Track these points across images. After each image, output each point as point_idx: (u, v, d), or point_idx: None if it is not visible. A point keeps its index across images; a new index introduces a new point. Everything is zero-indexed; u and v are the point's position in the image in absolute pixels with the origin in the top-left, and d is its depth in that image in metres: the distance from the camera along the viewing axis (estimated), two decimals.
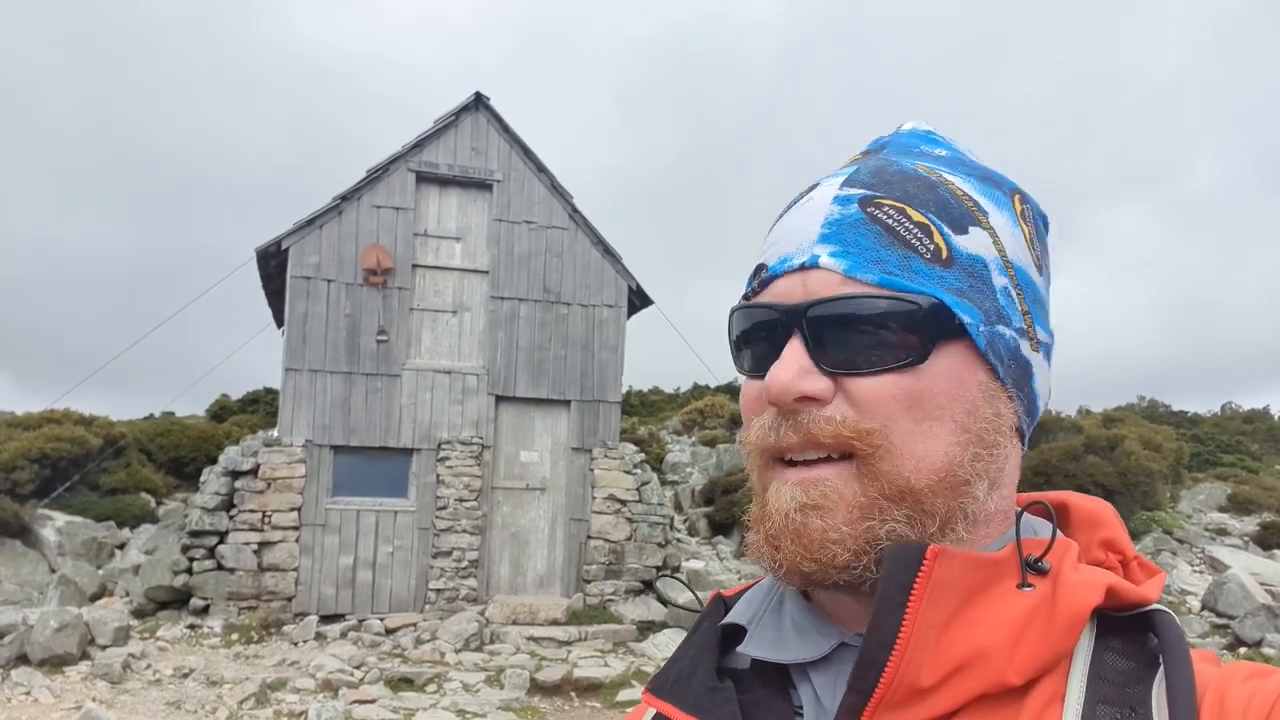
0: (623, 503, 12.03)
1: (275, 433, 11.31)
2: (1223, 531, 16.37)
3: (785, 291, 0.64)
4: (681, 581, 0.83)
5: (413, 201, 11.83)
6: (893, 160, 0.67)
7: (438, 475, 11.47)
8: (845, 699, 0.58)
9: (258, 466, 10.89)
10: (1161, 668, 0.56)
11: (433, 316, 11.90)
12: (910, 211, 0.63)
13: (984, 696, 0.56)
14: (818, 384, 0.61)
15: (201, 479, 11.63)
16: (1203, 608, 12.07)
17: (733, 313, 0.68)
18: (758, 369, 0.65)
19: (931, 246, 0.62)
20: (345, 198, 11.60)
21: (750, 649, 0.66)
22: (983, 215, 0.65)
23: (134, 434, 17.63)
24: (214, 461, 12.09)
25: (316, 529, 11.01)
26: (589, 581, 11.73)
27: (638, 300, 12.91)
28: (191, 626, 10.16)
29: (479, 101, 12.16)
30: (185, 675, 8.65)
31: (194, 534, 10.65)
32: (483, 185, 12.19)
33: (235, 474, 10.89)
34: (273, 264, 11.82)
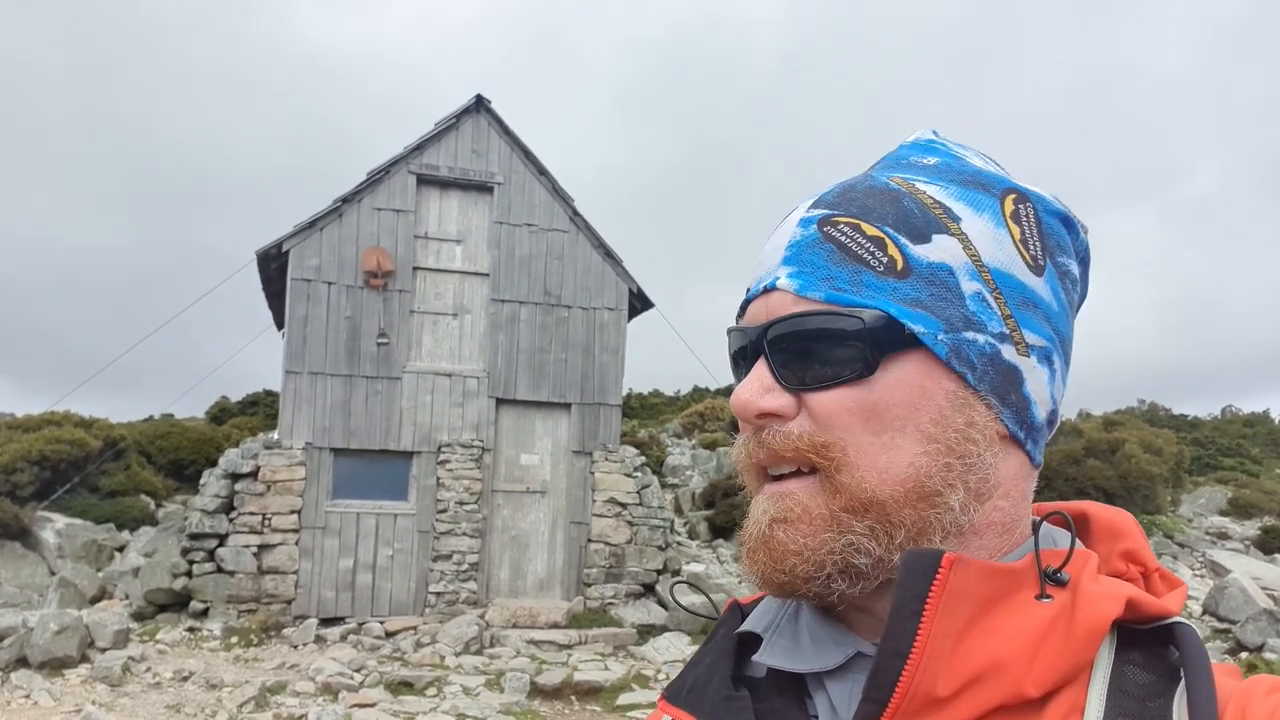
0: (623, 506, 12.02)
1: (275, 435, 11.30)
2: (1223, 535, 16.37)
3: (754, 314, 0.67)
4: (693, 586, 0.83)
5: (413, 204, 11.84)
6: (869, 176, 0.68)
7: (438, 478, 11.46)
8: (860, 708, 0.57)
9: (258, 469, 10.88)
10: (1183, 681, 0.56)
11: (433, 319, 11.90)
12: (864, 226, 0.63)
13: (1001, 708, 0.56)
14: (778, 401, 0.63)
15: (201, 481, 11.63)
16: (1204, 612, 12.05)
17: (727, 334, 0.72)
18: None
19: (885, 259, 0.62)
20: (346, 200, 11.61)
21: (766, 658, 0.66)
22: (953, 222, 0.64)
23: (134, 436, 17.61)
24: (214, 464, 12.08)
25: (316, 532, 10.99)
26: (589, 585, 11.72)
27: (638, 303, 12.92)
28: (191, 629, 10.15)
29: (480, 104, 12.17)
30: (185, 678, 8.64)
31: (193, 536, 10.64)
32: (483, 188, 12.19)
33: (235, 476, 10.88)
34: (273, 266, 11.83)
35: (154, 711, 7.77)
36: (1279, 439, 35.86)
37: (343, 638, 10.36)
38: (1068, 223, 0.69)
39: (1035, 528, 0.62)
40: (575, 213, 12.42)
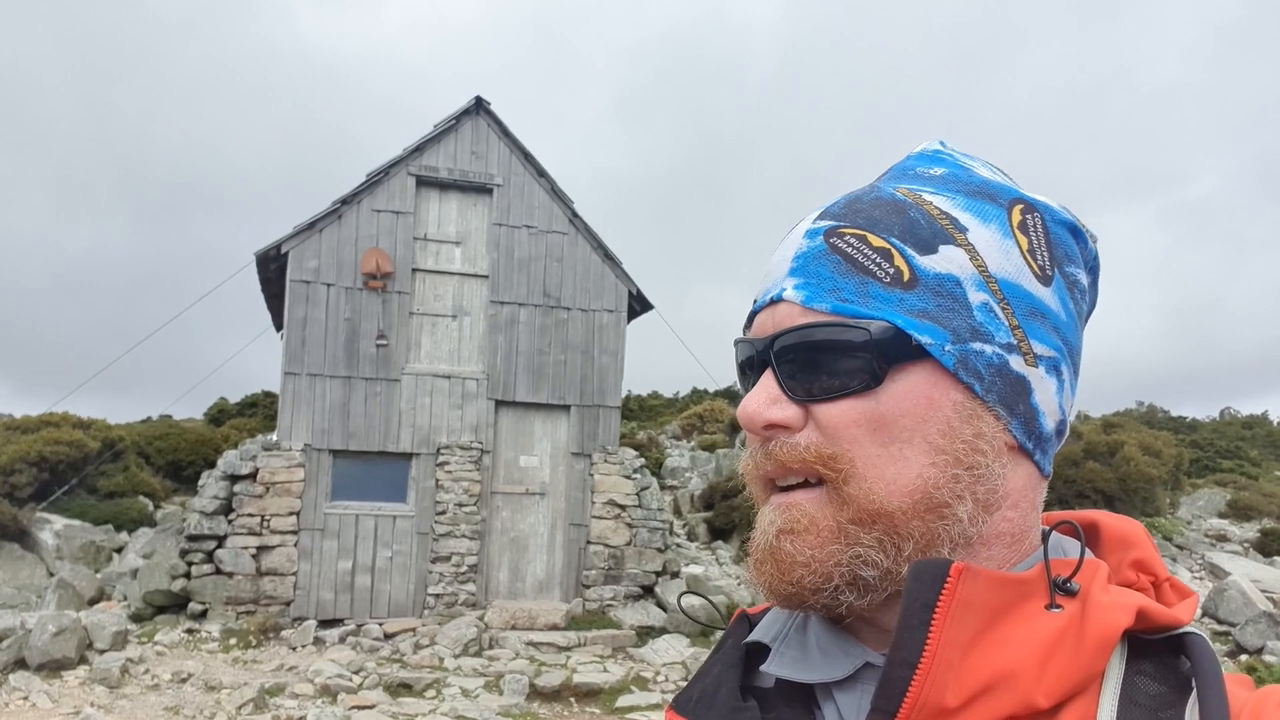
0: (622, 508, 12.02)
1: (274, 437, 11.29)
2: (1222, 538, 16.37)
3: (760, 325, 0.67)
4: (700, 595, 0.83)
5: (412, 205, 11.83)
6: (876, 187, 0.68)
7: (437, 480, 11.46)
8: (869, 719, 0.57)
9: (256, 470, 10.87)
10: (1194, 692, 0.55)
11: (432, 321, 11.90)
12: (871, 238, 0.64)
13: (1012, 719, 0.55)
14: (785, 412, 0.63)
15: (200, 483, 11.63)
16: (1203, 615, 12.05)
17: (735, 345, 0.72)
18: None
19: (891, 270, 0.62)
20: (345, 201, 11.61)
21: (774, 668, 0.66)
22: (960, 232, 0.64)
23: (132, 437, 17.60)
24: (212, 465, 12.08)
25: (315, 533, 10.98)
26: (588, 587, 11.71)
27: (637, 305, 12.91)
28: (189, 631, 10.14)
29: (479, 106, 12.17)
30: (183, 680, 8.63)
31: (192, 538, 10.63)
32: (483, 189, 12.19)
33: (234, 478, 10.87)
34: (272, 268, 11.82)
35: (152, 713, 7.76)
36: (1277, 441, 35.89)
37: (341, 639, 10.35)
38: (1076, 232, 0.69)
39: (1045, 537, 0.62)
40: (574, 214, 12.42)
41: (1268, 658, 9.90)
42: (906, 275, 0.62)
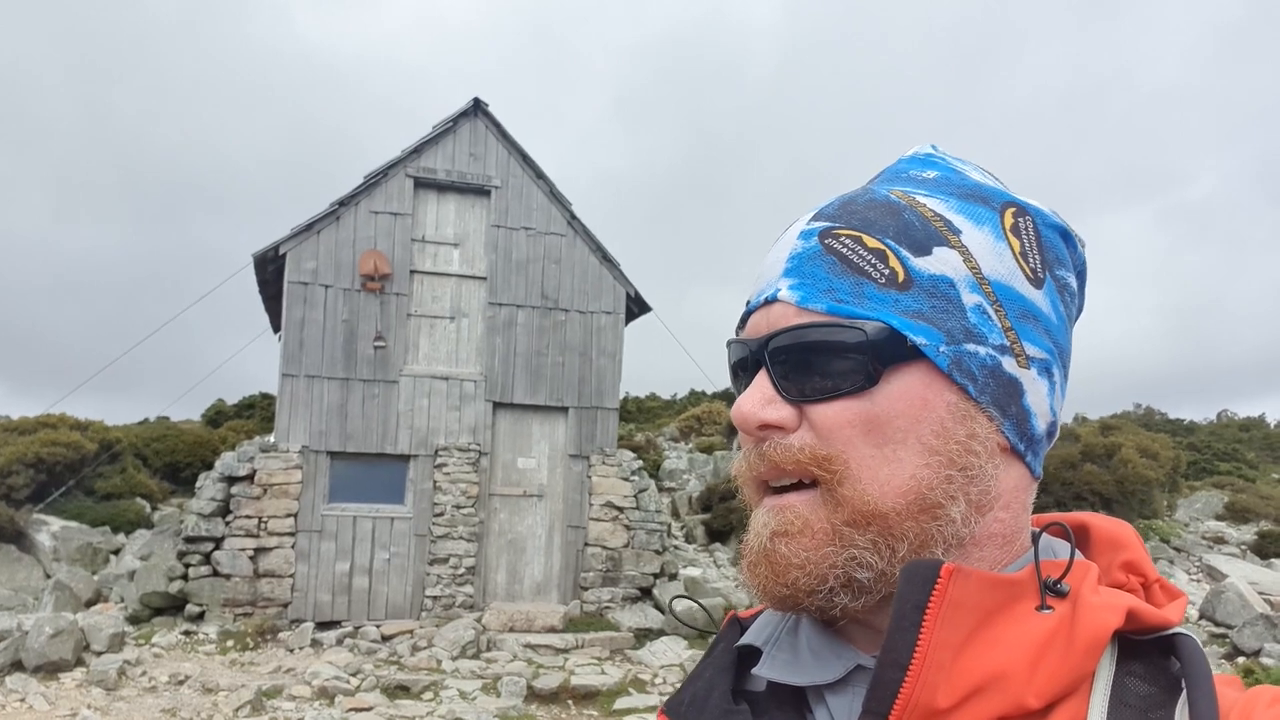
0: (620, 510, 12.01)
1: (272, 438, 11.28)
2: (1220, 540, 16.38)
3: (755, 325, 0.67)
4: (691, 599, 0.83)
5: (411, 207, 11.83)
6: (869, 189, 0.69)
7: (435, 482, 11.45)
8: None
9: (254, 472, 10.86)
10: (1184, 693, 0.56)
11: (430, 322, 11.90)
12: (866, 239, 0.64)
13: (1002, 719, 0.56)
14: (780, 413, 0.63)
15: (197, 485, 11.62)
16: (1200, 617, 12.06)
17: (727, 346, 0.72)
18: None
19: (886, 271, 0.63)
20: (343, 203, 11.60)
21: (765, 671, 0.66)
22: (953, 234, 0.64)
23: (130, 439, 17.59)
24: (210, 467, 12.07)
25: (313, 535, 10.97)
26: (586, 589, 11.70)
27: (636, 307, 12.92)
28: (187, 633, 10.12)
29: (477, 107, 12.17)
30: (180, 682, 8.61)
31: (190, 540, 10.61)
32: (481, 191, 12.19)
33: (231, 480, 10.86)
34: (270, 269, 11.81)
35: (149, 715, 7.74)
36: (1275, 443, 35.93)
37: (339, 641, 10.34)
38: (1066, 236, 0.69)
39: (1035, 539, 0.62)
40: (573, 216, 12.42)
41: (1265, 660, 9.90)
42: (901, 276, 0.62)
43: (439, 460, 11.48)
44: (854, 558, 0.60)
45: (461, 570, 11.33)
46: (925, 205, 0.66)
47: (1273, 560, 15.08)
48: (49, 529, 13.34)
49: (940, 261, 0.63)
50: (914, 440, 0.61)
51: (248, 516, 10.75)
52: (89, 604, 11.10)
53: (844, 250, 0.64)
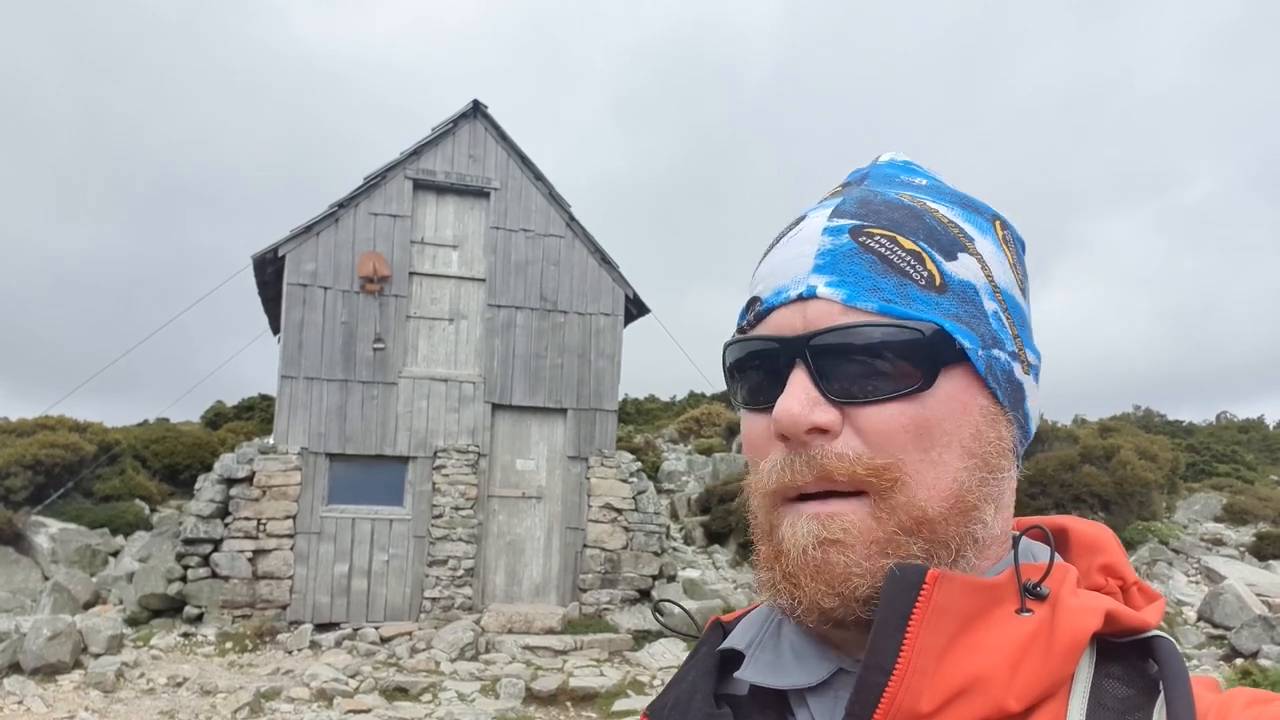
0: (619, 511, 12.01)
1: (271, 440, 11.28)
2: (1218, 542, 16.38)
3: (784, 323, 0.63)
4: (674, 603, 0.83)
5: (410, 209, 11.84)
6: (876, 190, 0.68)
7: (434, 483, 11.45)
8: None
9: (253, 474, 10.86)
10: (1162, 694, 0.56)
11: (429, 324, 11.90)
12: (900, 239, 0.63)
13: None
14: (828, 415, 0.60)
15: (196, 486, 11.61)
16: (1199, 618, 12.06)
17: (728, 345, 0.68)
18: (758, 402, 0.65)
19: (925, 273, 0.62)
20: (342, 205, 11.61)
21: (748, 674, 0.66)
22: (969, 242, 0.65)
23: (129, 441, 17.58)
24: (209, 469, 12.07)
25: (311, 537, 10.97)
26: (585, 590, 11.70)
27: (634, 309, 12.92)
28: (185, 635, 10.12)
29: (476, 109, 12.18)
30: (179, 684, 8.61)
31: (188, 541, 10.61)
32: (480, 193, 12.20)
33: (230, 481, 10.86)
34: (269, 271, 11.82)
35: (147, 717, 7.74)
36: (1274, 445, 35.93)
37: (337, 643, 10.34)
38: (1025, 250, 0.72)
39: (1015, 542, 0.62)
40: (571, 218, 12.43)
41: (1263, 661, 9.90)
42: (938, 279, 0.62)
43: (438, 462, 11.48)
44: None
45: (460, 572, 11.33)
46: (939, 211, 0.66)
47: (1271, 562, 15.08)
48: (47, 531, 13.33)
49: (964, 267, 0.64)
50: (956, 444, 0.61)
51: (247, 518, 10.75)
52: (87, 606, 11.10)
53: (882, 250, 0.63)
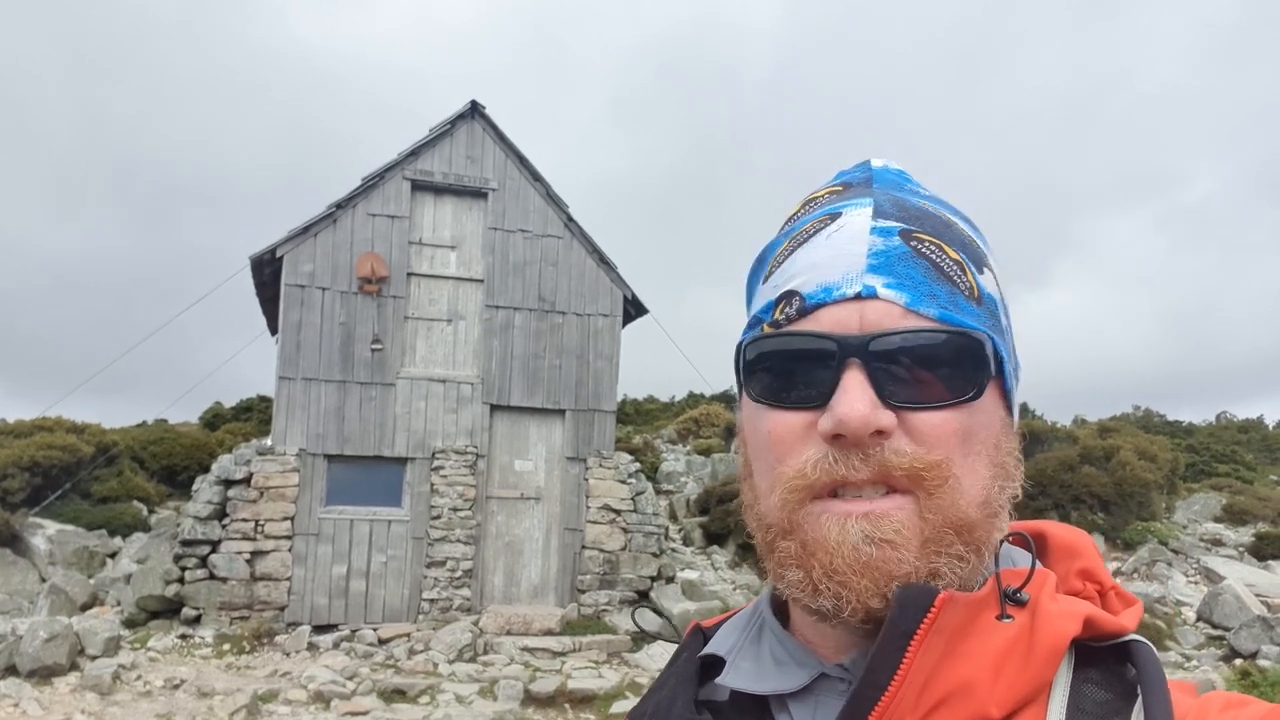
0: (617, 512, 12.01)
1: (269, 441, 11.28)
2: (1218, 542, 16.39)
3: (839, 321, 0.61)
4: (655, 611, 0.83)
5: (408, 210, 11.84)
6: (897, 196, 0.67)
7: (432, 484, 11.45)
8: None
9: (251, 475, 10.85)
10: (1140, 699, 0.56)
11: (427, 325, 11.90)
12: (946, 248, 0.64)
13: None
14: (889, 417, 0.60)
15: (194, 487, 11.59)
16: (1198, 619, 12.06)
17: (757, 339, 0.65)
18: (790, 399, 0.62)
19: (967, 284, 0.63)
20: (340, 205, 11.61)
21: (729, 680, 0.66)
22: (987, 256, 0.67)
23: (126, 442, 17.57)
24: (207, 470, 12.05)
25: (310, 538, 10.97)
26: (583, 591, 11.70)
27: (633, 309, 12.92)
28: (183, 636, 10.11)
29: (475, 110, 12.18)
30: (176, 686, 8.60)
31: (186, 543, 10.60)
32: (478, 194, 12.20)
33: (228, 483, 10.85)
34: (267, 271, 11.82)
35: None
36: (1273, 445, 35.95)
37: (335, 645, 10.33)
38: None
39: (995, 548, 0.62)
40: (569, 219, 12.43)
41: (1262, 662, 9.91)
42: (975, 291, 0.64)
43: (436, 463, 11.48)
44: (951, 564, 0.60)
45: (458, 573, 11.32)
46: (958, 224, 0.67)
47: (1270, 562, 15.09)
48: (45, 532, 13.32)
49: (989, 282, 0.66)
50: (985, 452, 0.63)
51: (244, 519, 10.75)
52: (84, 608, 11.09)
53: (934, 257, 0.63)
